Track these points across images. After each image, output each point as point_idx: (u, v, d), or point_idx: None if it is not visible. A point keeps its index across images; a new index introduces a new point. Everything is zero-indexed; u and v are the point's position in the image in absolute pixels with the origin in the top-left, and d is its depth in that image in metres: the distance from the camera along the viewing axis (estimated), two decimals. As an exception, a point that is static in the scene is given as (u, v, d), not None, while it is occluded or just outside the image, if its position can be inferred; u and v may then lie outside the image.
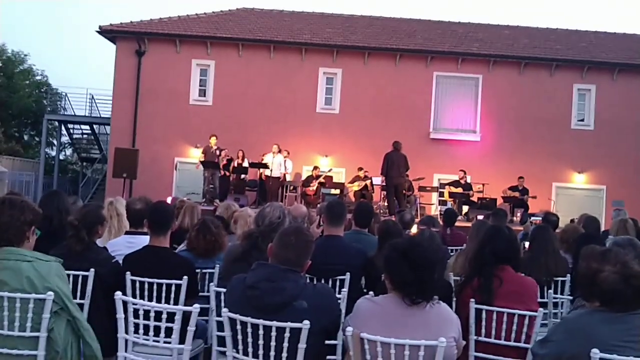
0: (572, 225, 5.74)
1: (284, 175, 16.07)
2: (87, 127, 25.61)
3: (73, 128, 25.92)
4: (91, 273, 3.82)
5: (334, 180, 16.75)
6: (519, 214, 15.61)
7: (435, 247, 2.77)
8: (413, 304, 2.59)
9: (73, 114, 24.72)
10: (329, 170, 16.72)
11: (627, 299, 2.44)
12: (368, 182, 15.81)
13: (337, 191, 15.73)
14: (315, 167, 16.58)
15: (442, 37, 19.79)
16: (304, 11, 22.19)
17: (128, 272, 3.88)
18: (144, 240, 4.25)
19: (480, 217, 10.13)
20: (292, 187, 16.51)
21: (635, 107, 18.23)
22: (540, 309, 3.50)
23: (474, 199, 15.97)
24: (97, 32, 18.51)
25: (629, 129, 18.17)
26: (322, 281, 4.33)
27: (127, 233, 4.77)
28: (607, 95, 18.43)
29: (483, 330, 3.47)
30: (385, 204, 14.84)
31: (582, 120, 18.71)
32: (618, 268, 2.46)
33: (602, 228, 8.95)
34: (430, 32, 20.22)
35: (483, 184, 16.18)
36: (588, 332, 2.49)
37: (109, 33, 18.66)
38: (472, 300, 3.46)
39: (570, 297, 4.45)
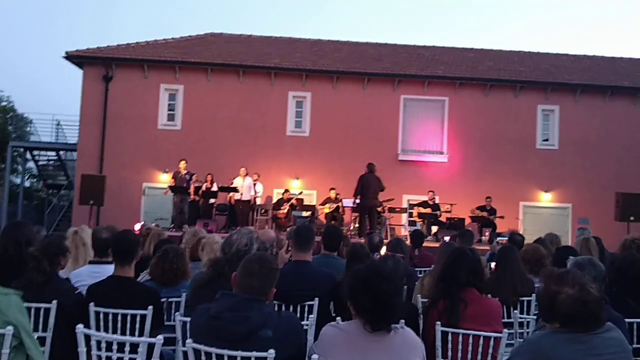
0: (533, 245, 5.82)
1: (254, 198, 16.02)
2: (54, 153, 25.18)
3: (39, 154, 25.46)
4: (53, 305, 3.75)
5: (305, 202, 16.77)
6: (487, 234, 15.78)
7: (396, 276, 2.79)
8: (374, 330, 2.61)
9: (39, 140, 24.31)
10: (300, 193, 16.73)
11: (585, 321, 2.49)
12: (339, 203, 15.86)
13: (309, 213, 15.74)
14: (286, 190, 16.57)
15: (408, 61, 20.10)
16: (273, 36, 22.35)
17: (92, 303, 3.81)
18: (108, 270, 4.20)
19: (447, 238, 10.23)
20: (262, 211, 16.46)
21: (597, 127, 18.70)
22: (506, 330, 3.54)
23: (443, 219, 16.15)
24: (64, 57, 18.35)
25: (592, 147, 18.60)
26: (291, 307, 4.32)
27: (91, 262, 4.69)
28: (570, 115, 18.89)
29: (449, 353, 3.50)
30: (357, 225, 14.88)
31: (547, 140, 19.10)
32: (576, 290, 2.50)
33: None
34: (397, 56, 20.54)
35: (451, 204, 16.36)
36: (549, 353, 2.53)
37: (77, 59, 18.52)
38: (438, 323, 3.49)
39: (535, 317, 4.50)
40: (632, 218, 14.70)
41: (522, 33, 77.66)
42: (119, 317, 3.78)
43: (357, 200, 13.99)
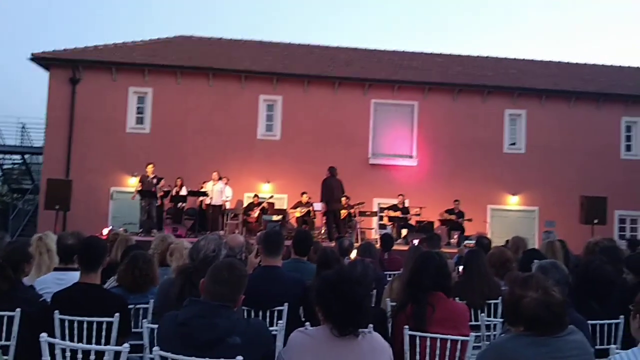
0: (499, 249, 5.91)
1: (225, 202, 15.92)
2: (19, 156, 24.72)
3: (3, 158, 24.96)
4: (17, 313, 3.68)
5: (276, 206, 16.73)
6: (455, 237, 15.97)
7: (365, 281, 2.81)
8: (342, 335, 2.62)
9: (3, 143, 23.82)
10: (271, 197, 16.69)
11: (549, 324, 2.54)
12: (311, 207, 15.86)
13: (279, 217, 15.71)
14: (255, 195, 16.52)
15: (378, 65, 20.24)
16: (243, 39, 22.26)
17: (57, 311, 3.75)
18: (74, 276, 4.12)
19: (416, 241, 10.32)
20: (232, 215, 16.37)
21: (563, 131, 19.09)
22: (473, 333, 3.59)
23: (413, 222, 16.29)
24: (30, 59, 18.00)
25: (558, 151, 18.97)
26: (260, 313, 4.31)
27: (56, 269, 4.60)
28: (536, 119, 19.24)
29: (417, 357, 3.53)
30: (326, 229, 14.92)
31: (514, 144, 19.42)
32: (540, 294, 2.56)
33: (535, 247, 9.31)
34: (367, 61, 20.66)
35: (421, 208, 16.51)
36: (514, 356, 2.58)
37: (43, 60, 18.18)
38: (406, 327, 3.52)
39: (502, 320, 4.57)
40: (596, 221, 15.07)
41: (491, 39, 78.91)
42: (85, 325, 3.71)
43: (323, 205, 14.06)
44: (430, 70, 20.19)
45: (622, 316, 4.06)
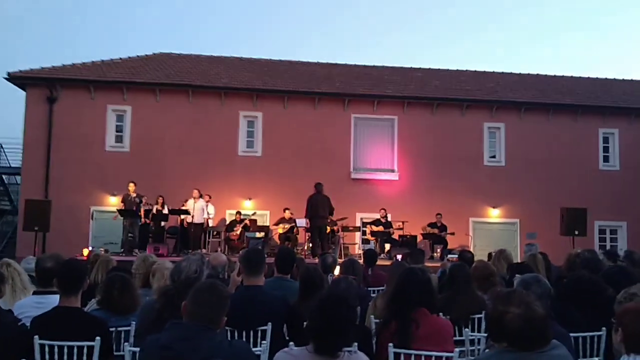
0: (482, 263, 5.94)
1: (207, 220, 15.81)
2: (-4, 177, 24.36)
3: (-20, 179, 24.56)
4: (-5, 339, 3.59)
5: (259, 223, 16.65)
6: (439, 250, 16.02)
7: (348, 300, 2.81)
8: (326, 354, 2.61)
9: (-20, 164, 23.48)
10: (253, 214, 16.62)
11: (532, 339, 2.56)
12: (293, 224, 15.80)
13: (262, 234, 15.64)
14: (238, 212, 16.44)
15: (358, 81, 20.36)
16: (222, 56, 22.26)
17: (36, 336, 3.68)
18: (53, 300, 4.05)
19: (399, 256, 10.33)
20: (215, 233, 16.26)
21: (541, 143, 19.32)
22: (457, 349, 3.59)
23: (395, 236, 16.31)
24: (6, 78, 17.81)
25: (537, 163, 19.18)
26: (244, 333, 4.27)
27: (35, 293, 4.53)
28: (515, 132, 19.46)
29: (403, 374, 3.52)
30: (311, 245, 14.91)
31: (494, 156, 19.60)
32: (522, 309, 2.57)
33: (518, 260, 9.38)
34: (347, 76, 20.77)
35: (403, 222, 16.55)
36: (498, 373, 2.58)
37: (19, 79, 17.98)
38: (390, 344, 3.51)
39: (486, 335, 4.58)
40: (576, 232, 15.20)
41: (468, 53, 79.87)
42: (65, 350, 3.65)
43: (307, 221, 14.09)
44: (409, 85, 20.36)
45: (604, 328, 4.09)
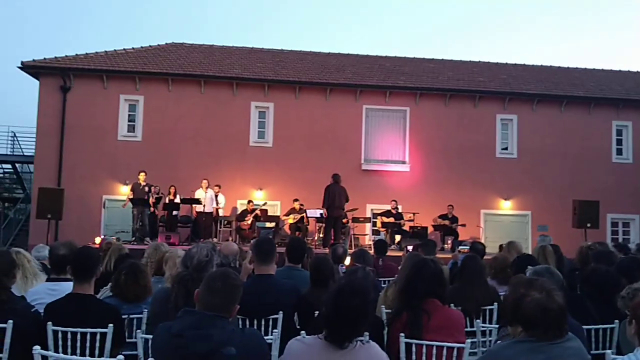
0: (503, 255, 5.93)
1: (217, 210, 15.87)
2: (9, 165, 24.57)
3: (-6, 167, 24.81)
4: (9, 325, 3.63)
5: (269, 213, 16.69)
6: (449, 242, 15.98)
7: (366, 290, 2.82)
8: (339, 344, 2.61)
9: (-6, 152, 23.66)
10: (264, 204, 16.65)
11: (547, 326, 2.54)
12: (304, 214, 15.83)
13: (273, 224, 15.67)
14: (250, 201, 16.48)
15: (370, 71, 20.28)
16: (234, 46, 22.26)
17: (50, 322, 3.71)
18: (67, 287, 4.09)
19: (410, 247, 10.31)
20: (226, 222, 16.31)
21: (554, 135, 19.18)
22: (468, 340, 3.58)
23: (406, 228, 16.29)
24: (19, 67, 17.91)
25: (549, 155, 19.06)
26: (255, 321, 4.29)
27: (49, 280, 4.57)
28: (528, 124, 19.32)
29: (414, 364, 3.51)
30: (321, 235, 14.91)
31: (506, 148, 19.48)
32: (543, 295, 2.56)
33: (529, 252, 9.34)
34: (359, 67, 20.70)
35: (414, 213, 16.52)
36: (510, 364, 2.57)
37: (32, 69, 18.08)
38: (402, 334, 3.51)
39: (498, 326, 4.57)
40: (588, 225, 15.11)
41: (481, 44, 79.31)
42: (78, 336, 3.68)
43: (325, 211, 14.10)
44: (421, 76, 20.25)
45: (616, 321, 4.07)
